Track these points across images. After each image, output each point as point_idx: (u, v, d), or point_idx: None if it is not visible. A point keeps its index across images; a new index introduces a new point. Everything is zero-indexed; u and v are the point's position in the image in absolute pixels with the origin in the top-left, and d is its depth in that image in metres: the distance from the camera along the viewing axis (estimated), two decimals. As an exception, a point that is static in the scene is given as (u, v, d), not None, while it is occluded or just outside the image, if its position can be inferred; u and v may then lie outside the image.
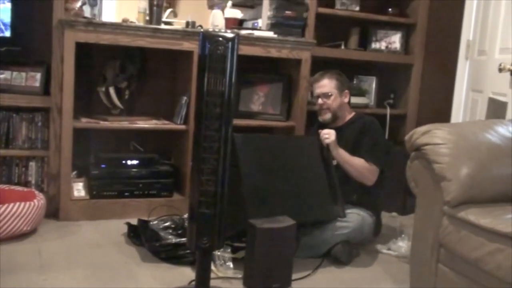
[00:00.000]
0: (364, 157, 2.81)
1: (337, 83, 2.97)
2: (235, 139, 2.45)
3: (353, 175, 2.82)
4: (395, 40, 3.90)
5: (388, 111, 3.86)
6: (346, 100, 3.01)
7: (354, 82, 3.93)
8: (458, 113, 3.45)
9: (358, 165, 2.81)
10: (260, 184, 2.52)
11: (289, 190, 2.60)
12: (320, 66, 3.45)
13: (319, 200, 2.70)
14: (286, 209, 2.47)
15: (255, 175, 2.52)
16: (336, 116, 2.98)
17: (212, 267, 2.34)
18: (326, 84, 2.97)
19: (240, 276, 2.37)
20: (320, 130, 2.86)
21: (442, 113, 3.53)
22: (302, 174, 2.69)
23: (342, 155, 2.81)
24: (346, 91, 3.00)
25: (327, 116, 2.97)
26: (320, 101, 2.98)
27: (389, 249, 2.85)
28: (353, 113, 3.03)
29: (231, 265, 2.43)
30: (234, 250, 2.53)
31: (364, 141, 2.86)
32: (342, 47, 3.77)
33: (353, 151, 2.84)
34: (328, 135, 2.80)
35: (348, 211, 2.75)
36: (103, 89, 3.18)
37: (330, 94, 2.95)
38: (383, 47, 3.90)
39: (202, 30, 3.02)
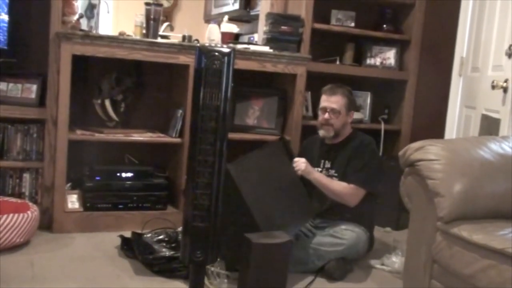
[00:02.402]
0: (349, 179, 2.81)
1: (347, 101, 2.92)
2: (231, 172, 2.44)
3: (332, 198, 2.82)
4: (390, 56, 3.93)
5: (383, 126, 3.88)
6: (350, 120, 2.97)
7: (349, 97, 3.94)
8: (451, 129, 3.48)
9: (335, 189, 2.81)
10: (264, 205, 2.52)
11: (283, 200, 2.65)
12: (315, 81, 3.48)
13: (302, 201, 2.76)
14: (287, 218, 2.52)
15: (257, 198, 2.50)
16: (338, 134, 2.94)
17: (206, 282, 2.34)
18: (338, 101, 2.89)
19: (233, 290, 2.36)
20: (294, 160, 2.85)
21: (435, 129, 3.55)
22: (285, 181, 2.76)
23: (318, 180, 2.82)
24: (352, 111, 2.97)
25: (330, 133, 2.92)
26: (326, 115, 2.90)
27: (382, 264, 2.85)
28: (351, 131, 3.00)
29: (225, 280, 2.43)
30: (229, 264, 2.53)
31: (354, 162, 2.85)
32: (337, 62, 3.79)
33: (346, 170, 2.86)
34: (297, 166, 2.81)
35: (342, 227, 2.77)
36: (99, 101, 3.18)
37: (339, 111, 2.89)
38: (377, 63, 3.93)
39: (198, 44, 3.06)
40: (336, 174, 2.90)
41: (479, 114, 3.13)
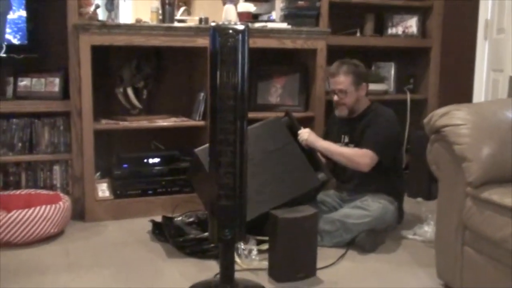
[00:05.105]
0: (361, 145, 2.78)
1: (353, 78, 2.86)
2: (199, 157, 2.60)
3: (343, 163, 2.81)
4: (412, 24, 3.84)
5: (408, 96, 3.82)
6: (363, 93, 2.91)
7: (372, 69, 3.89)
8: (479, 94, 3.41)
9: (344, 152, 2.80)
10: None
11: (265, 177, 2.65)
12: (337, 54, 3.42)
13: (299, 174, 2.75)
14: (266, 195, 2.55)
15: None
16: (353, 111, 2.91)
17: (237, 260, 2.36)
18: (342, 81, 2.85)
19: (265, 267, 2.37)
20: (298, 132, 2.89)
21: (463, 96, 3.47)
22: (274, 157, 2.75)
23: (325, 147, 2.84)
24: (363, 84, 2.89)
25: (344, 112, 2.91)
26: (335, 97, 2.90)
27: (414, 234, 2.82)
28: (368, 103, 2.95)
29: (256, 257, 2.44)
30: (259, 242, 2.54)
31: (367, 130, 2.82)
32: (358, 34, 3.74)
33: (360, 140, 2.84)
34: (301, 137, 2.86)
35: (369, 199, 2.75)
36: (121, 90, 3.21)
37: (346, 91, 2.86)
38: (399, 32, 3.85)
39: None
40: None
41: (507, 76, 3.06)
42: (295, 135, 2.90)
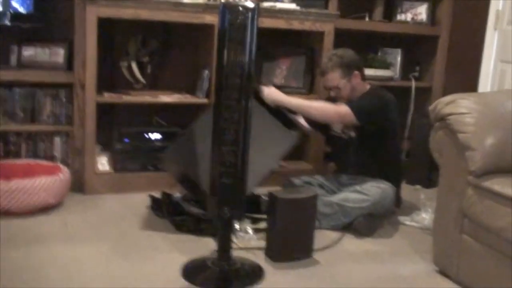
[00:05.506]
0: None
1: (341, 71, 2.81)
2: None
3: (315, 117, 2.77)
4: (421, 11, 3.81)
5: (413, 83, 3.80)
6: (358, 80, 2.85)
7: (379, 54, 3.86)
8: (485, 84, 3.39)
9: (314, 104, 2.79)
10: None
11: None
12: (344, 38, 3.41)
13: (273, 136, 2.64)
14: (253, 168, 2.35)
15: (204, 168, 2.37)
16: (352, 99, 2.85)
17: (234, 239, 2.36)
18: (331, 78, 2.83)
19: (262, 246, 2.37)
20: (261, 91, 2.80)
21: (469, 85, 3.46)
22: None
23: (292, 102, 2.77)
24: (355, 72, 2.84)
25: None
26: (331, 93, 2.89)
27: (412, 220, 2.83)
28: (367, 87, 2.91)
29: (254, 236, 2.44)
30: (255, 220, 2.54)
31: None
32: (367, 19, 3.70)
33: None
34: (265, 96, 2.76)
35: (368, 184, 2.74)
36: (126, 64, 3.18)
37: (337, 86, 2.83)
38: (408, 19, 3.82)
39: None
40: (354, 134, 2.88)
41: (515, 67, 3.04)
42: (257, 97, 2.75)
